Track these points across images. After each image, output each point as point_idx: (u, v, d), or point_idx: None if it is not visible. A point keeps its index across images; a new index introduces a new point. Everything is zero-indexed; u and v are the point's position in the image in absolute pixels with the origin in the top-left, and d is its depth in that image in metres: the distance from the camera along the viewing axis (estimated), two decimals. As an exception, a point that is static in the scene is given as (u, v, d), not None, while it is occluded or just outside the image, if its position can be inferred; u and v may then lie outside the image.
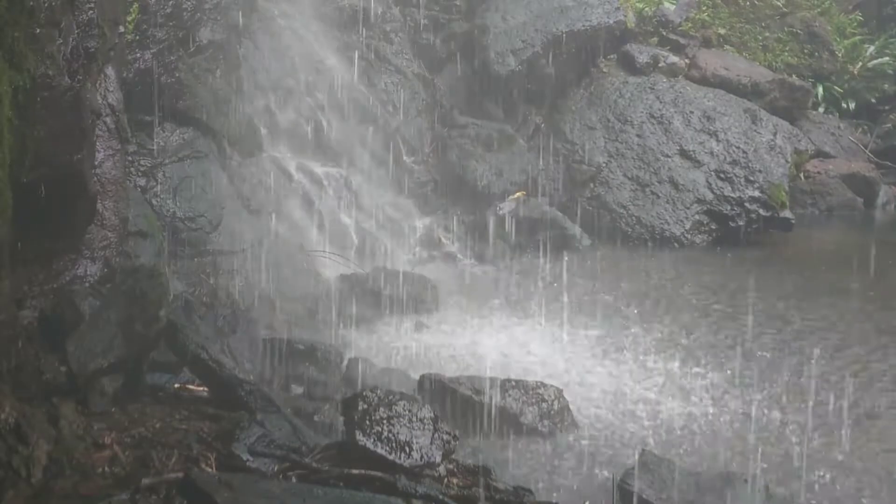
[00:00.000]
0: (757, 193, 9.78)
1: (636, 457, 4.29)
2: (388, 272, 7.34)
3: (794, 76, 12.54)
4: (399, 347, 6.26)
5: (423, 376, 5.21)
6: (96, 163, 4.73)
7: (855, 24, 14.28)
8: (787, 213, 9.85)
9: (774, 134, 10.48)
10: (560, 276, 8.05)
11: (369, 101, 9.41)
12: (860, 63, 13.61)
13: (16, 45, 3.49)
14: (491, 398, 4.96)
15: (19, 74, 3.54)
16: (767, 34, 13.16)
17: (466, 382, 5.08)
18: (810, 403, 5.33)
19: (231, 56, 7.90)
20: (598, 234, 9.52)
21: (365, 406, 3.20)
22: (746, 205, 9.73)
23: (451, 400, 4.92)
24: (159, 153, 6.89)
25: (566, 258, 8.51)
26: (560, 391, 5.14)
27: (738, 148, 10.11)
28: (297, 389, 5.24)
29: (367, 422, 3.15)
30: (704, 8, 12.76)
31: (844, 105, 13.40)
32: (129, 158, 6.49)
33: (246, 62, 8.15)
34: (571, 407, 5.10)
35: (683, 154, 10.09)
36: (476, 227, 9.14)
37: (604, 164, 10.11)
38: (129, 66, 6.77)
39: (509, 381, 5.17)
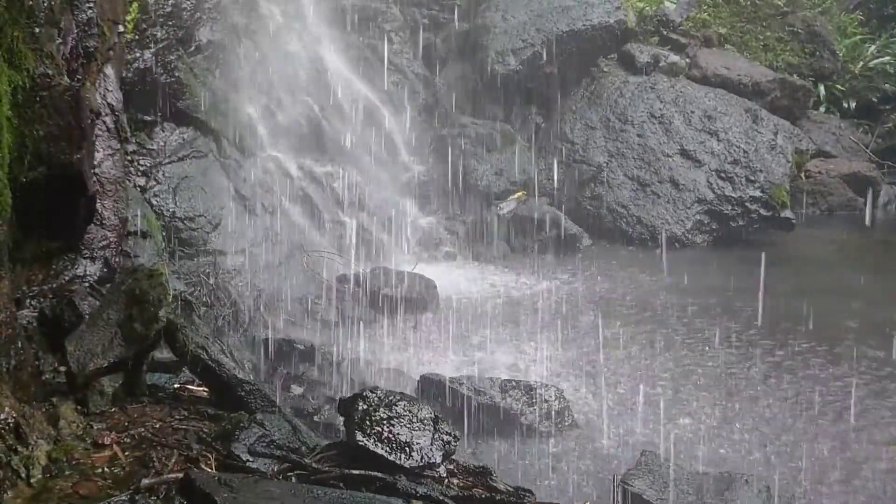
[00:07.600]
0: (758, 193, 9.76)
1: (637, 457, 4.28)
2: (388, 272, 7.33)
3: (794, 76, 12.53)
4: (399, 347, 6.25)
5: (423, 376, 5.21)
6: (96, 162, 4.71)
7: (856, 23, 14.28)
8: (787, 213, 9.84)
9: (775, 133, 10.47)
10: (559, 276, 8.04)
11: (369, 101, 9.40)
12: (861, 62, 13.61)
13: (15, 45, 3.49)
14: (491, 398, 4.96)
15: (18, 74, 3.53)
16: (768, 33, 13.15)
17: (467, 383, 5.08)
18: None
19: (231, 56, 7.89)
20: (598, 233, 9.51)
21: (365, 406, 3.18)
22: (747, 205, 9.72)
23: (452, 400, 4.91)
24: (159, 153, 6.89)
25: (566, 258, 8.47)
26: (561, 392, 5.14)
27: (738, 147, 10.09)
28: (297, 389, 5.24)
29: (367, 422, 3.13)
30: (705, 7, 12.77)
31: (845, 105, 13.39)
32: (129, 158, 6.49)
33: (246, 62, 8.14)
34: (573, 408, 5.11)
35: (684, 154, 10.08)
36: (476, 227, 9.13)
37: (604, 164, 10.09)
38: (129, 66, 6.76)
39: (510, 381, 5.16)
